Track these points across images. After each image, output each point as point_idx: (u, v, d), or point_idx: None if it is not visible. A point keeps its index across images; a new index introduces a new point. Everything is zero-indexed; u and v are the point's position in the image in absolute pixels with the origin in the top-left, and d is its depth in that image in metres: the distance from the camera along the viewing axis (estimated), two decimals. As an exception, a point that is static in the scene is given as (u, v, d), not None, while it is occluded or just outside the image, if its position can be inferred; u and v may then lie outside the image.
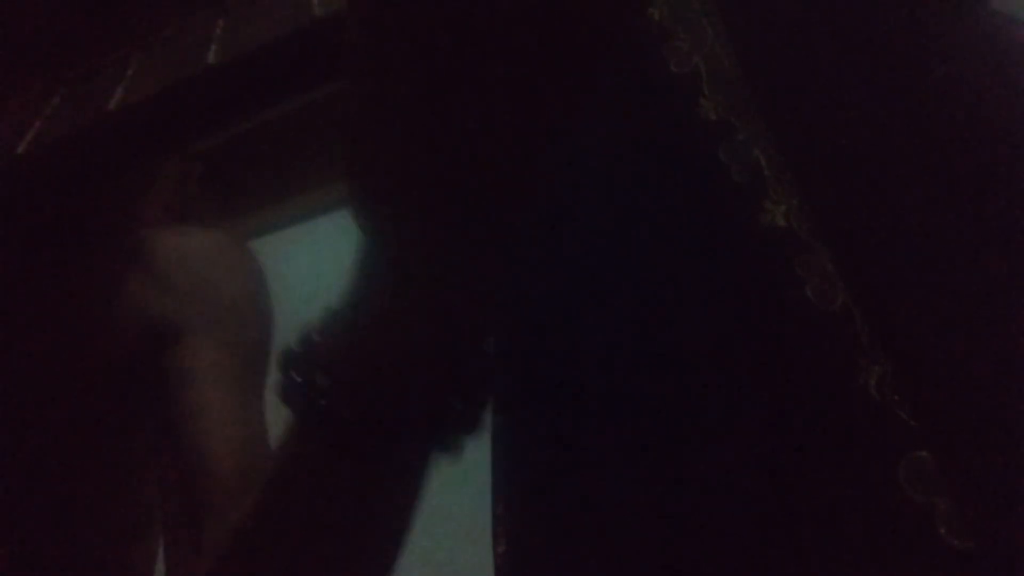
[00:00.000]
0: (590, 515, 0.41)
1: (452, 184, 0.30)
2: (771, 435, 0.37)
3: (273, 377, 0.37)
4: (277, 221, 1.67)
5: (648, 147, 0.43)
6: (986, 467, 0.35)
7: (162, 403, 0.61)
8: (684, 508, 0.38)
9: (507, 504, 0.46)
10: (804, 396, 0.37)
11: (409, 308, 0.33)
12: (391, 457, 0.35)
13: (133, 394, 0.65)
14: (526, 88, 0.28)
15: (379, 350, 0.34)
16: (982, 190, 0.40)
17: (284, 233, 1.63)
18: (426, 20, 0.28)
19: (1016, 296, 0.38)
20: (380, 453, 0.34)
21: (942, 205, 0.39)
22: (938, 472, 0.34)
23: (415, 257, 0.32)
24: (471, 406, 0.36)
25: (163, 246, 0.67)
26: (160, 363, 0.62)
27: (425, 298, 0.33)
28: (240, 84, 0.50)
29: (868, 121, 0.40)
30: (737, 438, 0.38)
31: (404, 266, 0.32)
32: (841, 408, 0.36)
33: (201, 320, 0.63)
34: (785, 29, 0.43)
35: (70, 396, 0.63)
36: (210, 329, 0.63)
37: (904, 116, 0.41)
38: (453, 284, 0.33)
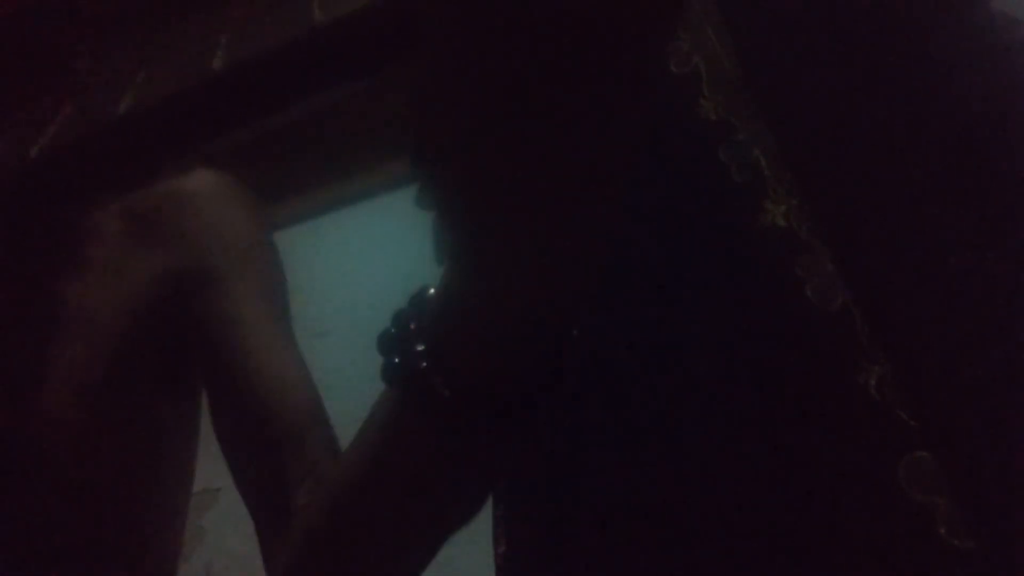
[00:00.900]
0: (589, 515, 0.41)
1: (539, 169, 0.30)
2: (771, 435, 0.37)
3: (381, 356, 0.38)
4: (277, 221, 1.67)
5: (648, 147, 0.43)
6: (986, 467, 0.35)
7: (204, 348, 0.60)
8: (684, 508, 0.38)
9: (507, 504, 0.46)
10: (804, 396, 0.37)
11: (497, 290, 0.33)
12: (489, 434, 0.36)
13: (166, 350, 0.64)
14: (611, 74, 0.29)
15: (473, 330, 0.35)
16: (982, 190, 0.40)
17: (284, 233, 1.63)
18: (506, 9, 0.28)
19: (1016, 296, 0.38)
20: (479, 430, 0.36)
21: (942, 205, 0.39)
22: (938, 472, 0.34)
23: (499, 241, 0.32)
24: (556, 385, 0.36)
25: (168, 192, 0.65)
26: (191, 311, 0.61)
27: (512, 281, 0.33)
28: (245, 90, 0.51)
29: (868, 121, 0.40)
30: (737, 438, 0.38)
31: (489, 250, 0.33)
32: (841, 408, 0.36)
33: (226, 261, 0.62)
34: (785, 29, 0.43)
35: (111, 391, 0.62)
36: (236, 269, 0.62)
37: (904, 116, 0.41)
38: (541, 267, 0.33)
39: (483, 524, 0.46)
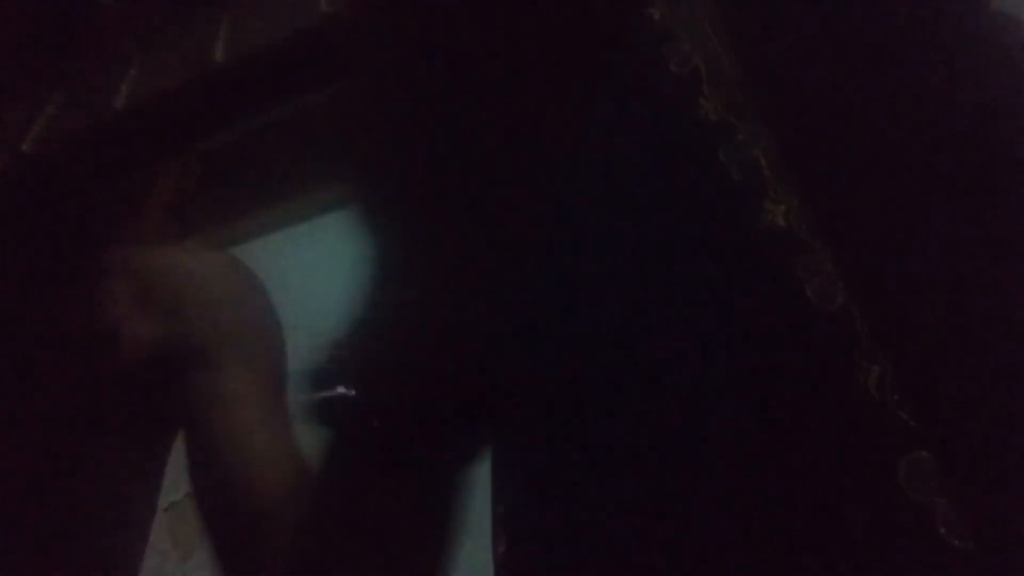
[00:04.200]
0: (589, 515, 0.41)
1: (456, 186, 0.30)
2: (771, 435, 0.37)
3: (301, 396, 0.38)
4: (277, 222, 1.67)
5: (648, 147, 0.43)
6: (986, 467, 0.35)
7: (191, 423, 0.61)
8: (683, 507, 0.38)
9: (507, 504, 0.46)
10: (804, 396, 0.37)
11: (419, 313, 0.33)
12: (426, 461, 0.36)
13: (140, 410, 0.65)
14: (531, 88, 0.29)
15: (398, 359, 0.35)
16: (982, 190, 0.40)
17: (284, 234, 1.63)
18: (424, 22, 0.28)
19: (1016, 296, 0.38)
20: (414, 458, 0.35)
21: (942, 205, 0.39)
22: (938, 472, 0.34)
23: (419, 259, 0.32)
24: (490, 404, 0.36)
25: (171, 267, 0.66)
26: (185, 384, 0.62)
27: (434, 302, 0.33)
28: (249, 82, 0.50)
29: (868, 121, 0.40)
30: (737, 438, 0.38)
31: (409, 269, 0.33)
32: (841, 408, 0.36)
33: (228, 343, 0.63)
34: (785, 29, 0.43)
35: (64, 400, 0.62)
36: (238, 351, 0.63)
37: (904, 116, 0.41)
38: (463, 287, 0.33)
39: (483, 523, 0.46)
